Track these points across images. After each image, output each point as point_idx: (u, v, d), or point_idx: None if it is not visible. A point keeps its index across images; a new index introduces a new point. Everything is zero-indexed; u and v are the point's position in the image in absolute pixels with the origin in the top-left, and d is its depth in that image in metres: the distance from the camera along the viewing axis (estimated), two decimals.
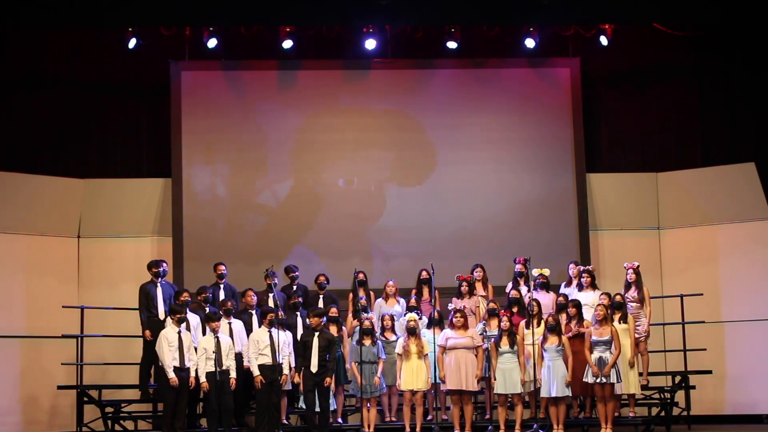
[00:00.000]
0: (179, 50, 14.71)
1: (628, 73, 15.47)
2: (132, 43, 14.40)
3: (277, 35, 14.54)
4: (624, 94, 15.50)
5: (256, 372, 11.73)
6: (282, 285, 13.18)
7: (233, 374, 11.73)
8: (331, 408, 12.02)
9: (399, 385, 12.04)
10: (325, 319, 12.39)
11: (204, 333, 11.98)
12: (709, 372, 13.40)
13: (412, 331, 12.01)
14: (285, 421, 12.04)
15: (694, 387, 13.15)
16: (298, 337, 12.15)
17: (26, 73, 14.82)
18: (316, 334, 11.78)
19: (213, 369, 11.59)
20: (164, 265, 12.79)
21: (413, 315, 12.20)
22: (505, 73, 15.03)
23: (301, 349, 11.75)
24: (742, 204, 14.50)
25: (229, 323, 12.13)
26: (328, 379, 11.73)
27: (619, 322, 12.03)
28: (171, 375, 11.47)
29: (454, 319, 12.00)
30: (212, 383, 11.58)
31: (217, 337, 11.70)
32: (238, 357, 11.91)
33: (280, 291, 12.98)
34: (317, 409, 11.74)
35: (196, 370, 11.68)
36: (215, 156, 14.69)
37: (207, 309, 12.36)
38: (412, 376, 11.96)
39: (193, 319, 12.18)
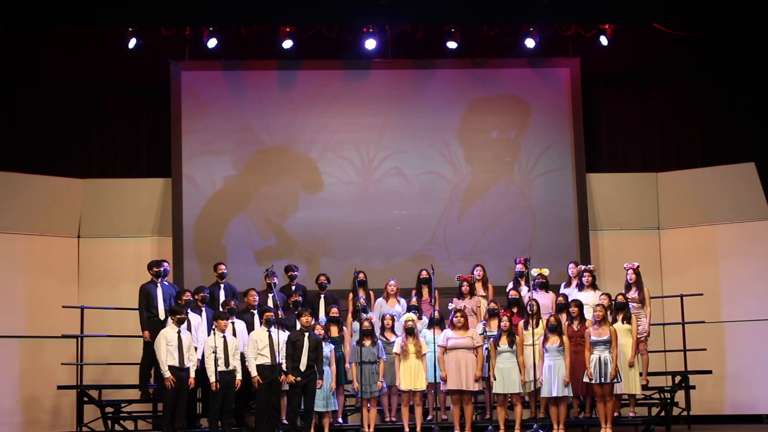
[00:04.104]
0: (179, 50, 14.71)
1: (628, 73, 15.47)
2: (132, 43, 14.40)
3: (277, 35, 14.54)
4: (624, 94, 15.50)
5: (253, 372, 11.73)
6: (282, 285, 13.19)
7: (239, 374, 11.75)
8: (332, 408, 12.04)
9: (398, 385, 12.05)
10: (324, 319, 12.45)
11: (208, 332, 11.98)
12: (709, 372, 13.40)
13: (410, 331, 12.02)
14: (285, 421, 12.03)
15: (694, 387, 13.15)
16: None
17: (26, 73, 14.82)
18: (306, 334, 11.77)
19: (224, 368, 11.61)
20: (165, 264, 12.78)
21: (410, 315, 12.20)
22: (505, 73, 15.03)
23: (290, 349, 11.71)
24: (742, 204, 14.50)
25: (232, 323, 12.13)
26: (320, 382, 11.75)
27: (623, 323, 12.04)
28: (167, 374, 11.47)
29: (454, 319, 12.00)
30: (221, 383, 11.60)
31: (224, 337, 11.71)
32: (242, 357, 11.91)
33: (279, 291, 12.99)
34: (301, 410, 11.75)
35: (196, 370, 11.69)
36: (215, 156, 14.69)
37: (204, 309, 12.36)
38: (410, 377, 11.96)
39: (195, 318, 12.18)
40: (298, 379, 11.62)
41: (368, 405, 12.05)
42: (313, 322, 12.01)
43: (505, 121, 14.93)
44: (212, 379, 11.59)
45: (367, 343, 12.02)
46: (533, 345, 11.79)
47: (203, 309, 12.38)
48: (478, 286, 13.01)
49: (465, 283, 12.78)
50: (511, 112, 14.95)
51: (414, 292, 13.00)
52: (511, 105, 14.96)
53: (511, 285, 12.98)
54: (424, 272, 13.04)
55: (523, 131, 14.91)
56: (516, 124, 14.92)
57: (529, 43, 14.60)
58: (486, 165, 14.87)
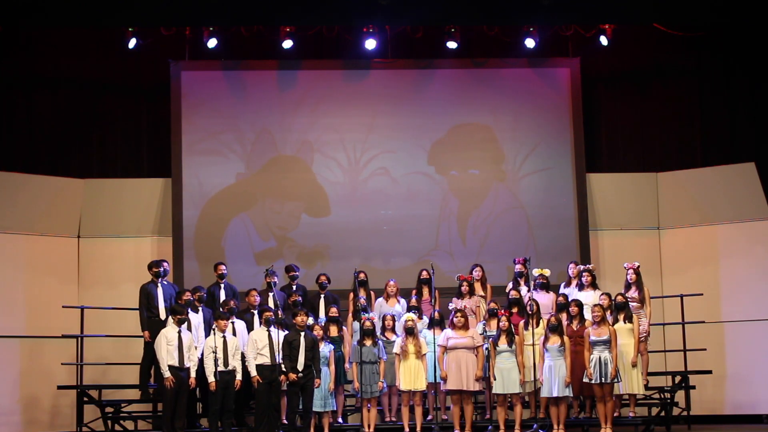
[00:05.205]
0: (179, 50, 14.71)
1: (628, 73, 15.48)
2: (132, 43, 14.40)
3: (277, 35, 14.54)
4: (624, 94, 15.50)
5: (253, 372, 11.72)
6: (282, 284, 13.19)
7: (239, 374, 11.74)
8: (332, 408, 12.04)
9: (398, 385, 12.05)
10: (323, 319, 12.45)
11: (206, 333, 11.97)
12: (709, 372, 13.40)
13: (410, 331, 12.01)
14: (285, 421, 12.03)
15: (694, 387, 13.15)
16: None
17: (26, 73, 14.82)
18: (302, 333, 11.77)
19: (224, 368, 11.61)
20: (165, 264, 12.78)
21: (410, 315, 12.20)
22: (505, 73, 15.03)
23: (287, 349, 11.70)
24: (741, 204, 14.50)
25: (232, 323, 12.13)
26: (317, 381, 11.75)
27: (624, 322, 12.04)
28: (166, 374, 11.47)
29: (454, 319, 12.00)
30: (220, 383, 11.60)
31: (224, 337, 11.71)
32: (242, 357, 11.89)
33: (279, 290, 12.99)
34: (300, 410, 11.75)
35: (197, 370, 11.69)
36: (215, 156, 14.68)
37: (200, 309, 12.35)
38: (410, 377, 11.95)
39: (194, 318, 12.17)
40: (300, 375, 11.60)
41: (368, 405, 12.05)
42: (311, 322, 12.01)
43: (505, 121, 14.92)
44: (211, 379, 11.58)
45: (368, 343, 12.02)
46: (533, 345, 11.79)
47: (200, 309, 12.37)
48: (477, 286, 13.01)
49: (465, 283, 12.79)
50: (511, 112, 14.94)
51: (414, 292, 13.00)
52: (511, 105, 14.95)
53: (510, 285, 12.98)
54: (424, 272, 13.04)
55: (523, 131, 14.91)
56: (516, 124, 14.91)
57: (529, 43, 14.60)
58: (487, 165, 14.86)
